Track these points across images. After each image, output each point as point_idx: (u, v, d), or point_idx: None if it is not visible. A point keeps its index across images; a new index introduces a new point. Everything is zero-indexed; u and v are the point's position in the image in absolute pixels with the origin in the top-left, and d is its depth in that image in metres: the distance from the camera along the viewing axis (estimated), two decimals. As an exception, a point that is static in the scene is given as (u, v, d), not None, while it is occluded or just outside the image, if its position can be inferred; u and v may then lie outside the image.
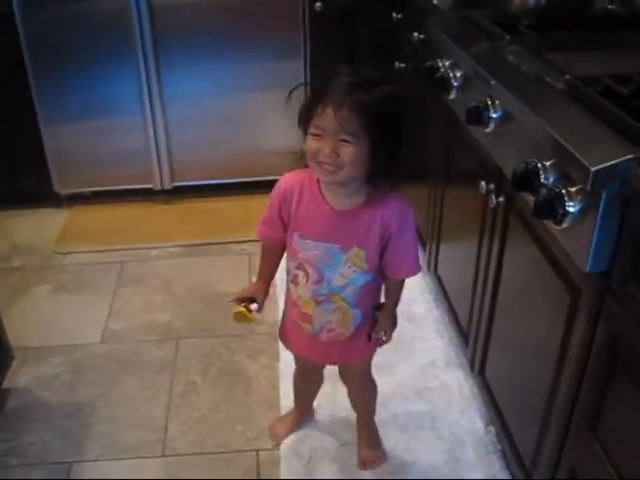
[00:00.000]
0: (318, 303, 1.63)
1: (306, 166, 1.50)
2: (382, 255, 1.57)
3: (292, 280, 1.66)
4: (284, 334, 1.83)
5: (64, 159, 3.21)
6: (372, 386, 1.93)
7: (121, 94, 3.11)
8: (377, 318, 1.69)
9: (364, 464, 1.96)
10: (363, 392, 1.95)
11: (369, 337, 1.70)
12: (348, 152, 1.38)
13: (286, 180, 1.59)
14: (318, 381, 2.01)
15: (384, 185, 1.48)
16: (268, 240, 1.68)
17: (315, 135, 1.40)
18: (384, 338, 1.72)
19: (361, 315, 1.67)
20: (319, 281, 1.59)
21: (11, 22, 2.87)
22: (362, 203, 1.51)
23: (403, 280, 1.67)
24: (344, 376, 1.93)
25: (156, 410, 2.17)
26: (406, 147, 1.46)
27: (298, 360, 1.93)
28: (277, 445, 2.02)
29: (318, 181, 1.54)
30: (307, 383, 2.01)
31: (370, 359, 1.84)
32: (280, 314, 1.83)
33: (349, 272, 1.57)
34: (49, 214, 3.30)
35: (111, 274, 2.85)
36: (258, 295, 1.66)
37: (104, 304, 2.67)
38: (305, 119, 1.42)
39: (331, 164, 1.39)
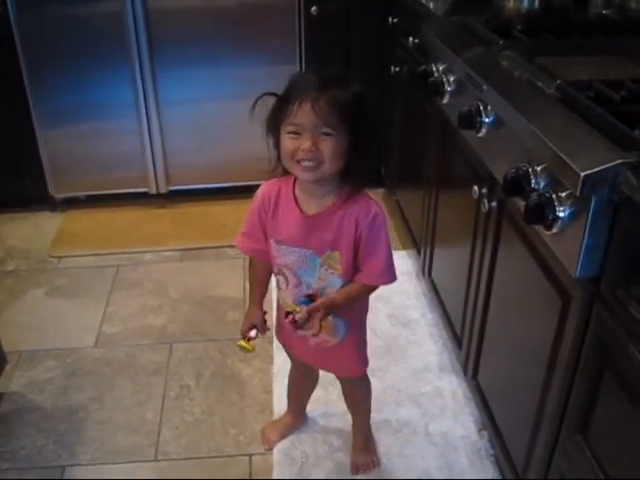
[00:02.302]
0: (300, 306, 1.62)
1: (284, 173, 1.52)
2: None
3: (277, 285, 1.68)
4: (280, 335, 1.83)
5: (59, 163, 3.22)
6: (366, 385, 1.91)
7: (117, 98, 3.11)
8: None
9: (357, 468, 1.95)
10: (357, 390, 1.93)
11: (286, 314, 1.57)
12: (329, 145, 1.38)
13: (263, 189, 1.60)
14: (313, 380, 2.00)
15: (356, 185, 1.49)
16: (252, 253, 1.69)
17: (292, 133, 1.39)
18: (297, 316, 1.51)
19: (344, 325, 1.66)
20: (298, 285, 1.60)
21: (6, 24, 2.87)
22: (332, 205, 1.50)
23: (367, 287, 1.60)
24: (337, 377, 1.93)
25: (149, 414, 2.17)
26: (378, 146, 1.47)
27: (294, 358, 1.93)
28: (269, 450, 2.02)
29: (294, 187, 1.54)
30: (302, 380, 1.99)
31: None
32: (274, 318, 1.83)
33: (327, 274, 1.56)
34: (44, 218, 3.30)
35: (106, 278, 2.85)
36: (254, 320, 1.70)
37: (98, 308, 2.66)
38: (276, 122, 1.43)
39: (312, 159, 1.39)
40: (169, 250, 3.04)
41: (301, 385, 2.02)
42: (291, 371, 1.99)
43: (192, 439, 2.08)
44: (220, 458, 2.01)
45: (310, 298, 1.57)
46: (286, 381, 2.03)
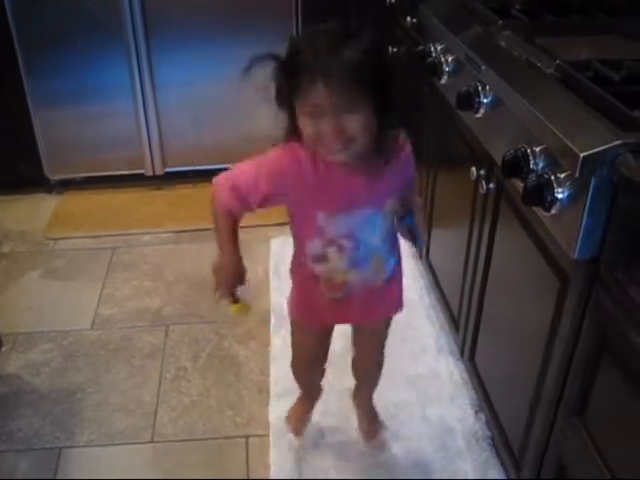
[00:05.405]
0: (354, 267, 1.49)
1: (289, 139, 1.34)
2: None
3: (316, 260, 1.49)
4: (302, 312, 1.66)
5: (55, 145, 3.20)
6: (383, 356, 1.86)
7: (112, 80, 3.08)
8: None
9: (368, 436, 1.95)
10: (376, 358, 1.86)
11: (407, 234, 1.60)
12: (355, 123, 1.22)
13: (283, 158, 1.36)
14: (326, 351, 1.81)
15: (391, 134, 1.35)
16: (235, 210, 1.43)
17: (310, 114, 1.23)
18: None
19: (393, 262, 1.57)
20: (355, 248, 1.45)
21: (1, 7, 2.84)
22: (382, 158, 1.35)
23: None
24: (361, 340, 1.82)
25: (146, 396, 2.17)
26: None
27: (308, 336, 1.74)
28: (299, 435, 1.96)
29: None
30: (317, 358, 1.83)
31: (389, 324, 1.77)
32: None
33: (384, 226, 1.47)
34: (40, 200, 3.29)
35: (102, 260, 2.84)
36: (239, 270, 1.47)
37: (95, 290, 2.66)
38: (287, 97, 1.26)
39: (339, 141, 1.24)
40: (165, 232, 3.03)
41: (316, 364, 1.85)
42: (298, 359, 1.84)
43: (189, 421, 2.08)
44: (217, 440, 2.01)
45: (367, 259, 1.49)
46: (282, 363, 2.01)
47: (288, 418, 1.99)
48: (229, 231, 1.45)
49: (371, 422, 1.97)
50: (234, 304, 1.49)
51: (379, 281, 1.57)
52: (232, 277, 1.48)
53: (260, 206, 1.40)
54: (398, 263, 1.62)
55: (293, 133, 1.31)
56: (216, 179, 1.43)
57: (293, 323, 1.74)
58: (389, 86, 1.25)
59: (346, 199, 1.39)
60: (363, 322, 1.73)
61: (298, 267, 1.57)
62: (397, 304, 1.69)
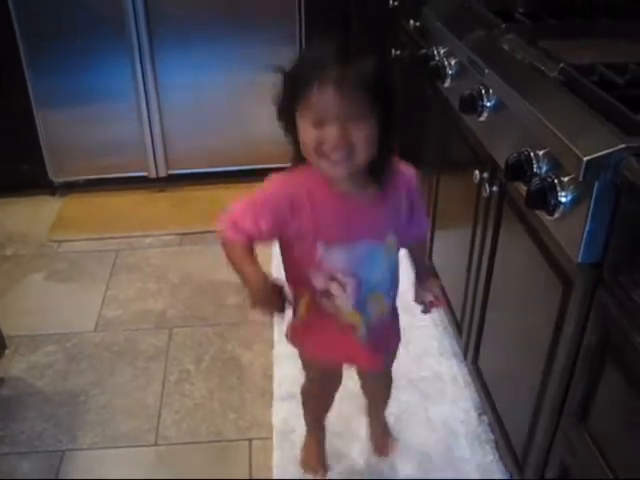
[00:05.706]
0: (362, 310, 1.45)
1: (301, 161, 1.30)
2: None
3: (322, 295, 1.43)
4: (319, 350, 1.59)
5: (58, 147, 3.20)
6: (391, 379, 1.86)
7: (116, 81, 3.09)
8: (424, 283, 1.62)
9: (381, 451, 1.94)
10: (386, 387, 1.88)
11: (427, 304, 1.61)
12: (360, 131, 1.19)
13: (285, 189, 1.33)
14: (339, 378, 1.80)
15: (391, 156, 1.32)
16: (244, 243, 1.35)
17: (313, 123, 1.20)
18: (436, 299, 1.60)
19: (393, 296, 1.53)
20: (358, 286, 1.40)
21: (3, 3, 2.84)
22: (381, 182, 1.32)
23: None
24: (369, 386, 1.86)
25: (149, 398, 2.17)
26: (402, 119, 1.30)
27: (319, 371, 1.73)
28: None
29: (326, 178, 1.31)
30: (331, 387, 1.81)
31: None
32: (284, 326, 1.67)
33: (385, 261, 1.42)
34: (43, 202, 3.29)
35: (105, 262, 2.85)
36: (273, 286, 1.36)
37: (98, 292, 2.66)
38: (289, 107, 1.23)
39: (343, 150, 1.20)
40: (169, 234, 3.03)
41: (330, 393, 1.82)
42: (310, 388, 1.80)
43: (192, 424, 2.08)
44: (220, 442, 2.01)
45: (370, 298, 1.45)
46: (286, 365, 2.01)
47: (304, 462, 1.92)
48: (243, 256, 1.36)
49: (383, 437, 1.97)
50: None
51: (383, 321, 1.53)
52: (265, 294, 1.35)
53: (267, 240, 1.38)
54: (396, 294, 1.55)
55: (297, 157, 1.30)
56: (219, 224, 1.38)
57: (302, 357, 1.70)
58: (392, 111, 1.24)
59: (345, 229, 1.35)
60: (372, 367, 1.69)
61: (312, 305, 1.49)
62: (399, 336, 1.68)
